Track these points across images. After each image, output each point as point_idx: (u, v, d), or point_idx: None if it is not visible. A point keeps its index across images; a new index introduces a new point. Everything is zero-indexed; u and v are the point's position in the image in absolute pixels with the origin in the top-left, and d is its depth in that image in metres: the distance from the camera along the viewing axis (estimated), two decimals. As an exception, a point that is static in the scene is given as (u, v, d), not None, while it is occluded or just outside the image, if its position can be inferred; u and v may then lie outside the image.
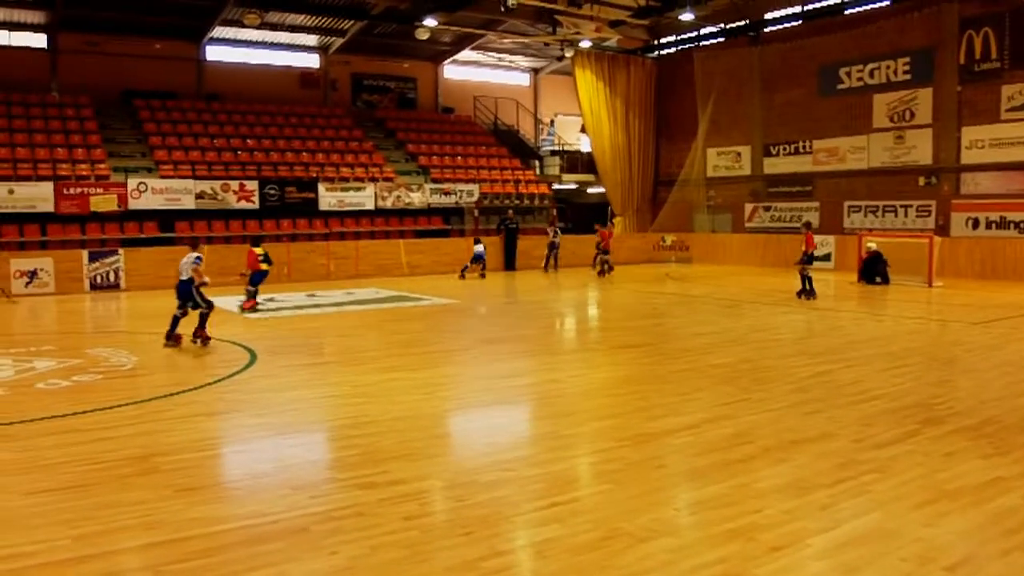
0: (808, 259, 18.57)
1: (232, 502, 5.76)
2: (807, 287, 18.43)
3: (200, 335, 12.48)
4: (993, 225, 23.81)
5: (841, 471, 6.17)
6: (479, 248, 24.75)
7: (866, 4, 26.58)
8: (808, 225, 20.53)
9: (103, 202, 23.27)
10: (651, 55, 34.26)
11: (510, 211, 29.13)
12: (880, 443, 6.90)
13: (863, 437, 7.09)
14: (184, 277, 12.44)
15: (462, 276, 24.47)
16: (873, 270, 21.70)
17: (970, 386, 9.32)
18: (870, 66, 26.90)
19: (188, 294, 12.44)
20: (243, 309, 17.05)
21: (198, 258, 12.57)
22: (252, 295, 17.44)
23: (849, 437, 7.09)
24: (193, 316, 12.51)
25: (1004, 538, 4.93)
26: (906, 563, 4.58)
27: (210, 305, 12.64)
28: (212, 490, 6.03)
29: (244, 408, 8.54)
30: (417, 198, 28.44)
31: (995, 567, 4.54)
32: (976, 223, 24.27)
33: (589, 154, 34.18)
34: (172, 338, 12.47)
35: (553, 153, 36.52)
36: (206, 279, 12.59)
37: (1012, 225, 23.43)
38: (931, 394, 8.80)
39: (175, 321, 12.52)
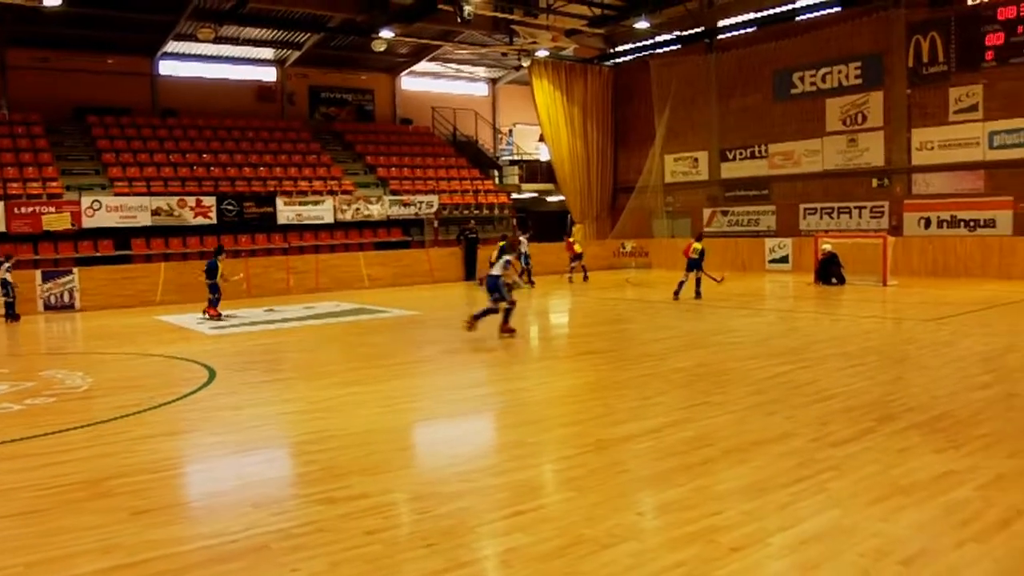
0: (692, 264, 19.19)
1: (190, 522, 5.68)
2: (690, 289, 19.38)
3: (505, 329, 13.89)
4: (944, 224, 24.26)
5: (799, 470, 6.24)
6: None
7: (817, 11, 26.98)
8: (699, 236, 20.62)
9: (56, 220, 22.94)
10: (608, 63, 34.50)
11: (471, 221, 29.16)
12: (837, 441, 6.99)
13: (820, 436, 7.18)
14: (495, 272, 13.87)
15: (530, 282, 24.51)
16: (828, 271, 21.99)
17: (923, 382, 9.46)
18: (823, 71, 27.34)
19: (497, 287, 13.74)
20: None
21: (508, 262, 14.01)
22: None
23: (807, 437, 7.18)
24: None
25: (957, 530, 5.01)
26: (863, 558, 4.64)
27: (512, 303, 13.91)
28: (170, 511, 5.92)
29: (203, 426, 8.44)
30: (376, 210, 28.34)
31: (949, 559, 4.61)
32: (928, 223, 24.71)
33: (548, 163, 34.34)
34: (506, 330, 13.94)
35: (512, 162, 36.66)
36: (516, 280, 14.47)
37: (962, 224, 23.89)
38: (886, 391, 8.93)
39: (487, 312, 13.86)
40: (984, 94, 23.52)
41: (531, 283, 23.94)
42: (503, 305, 13.81)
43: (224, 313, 18.34)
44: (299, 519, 5.56)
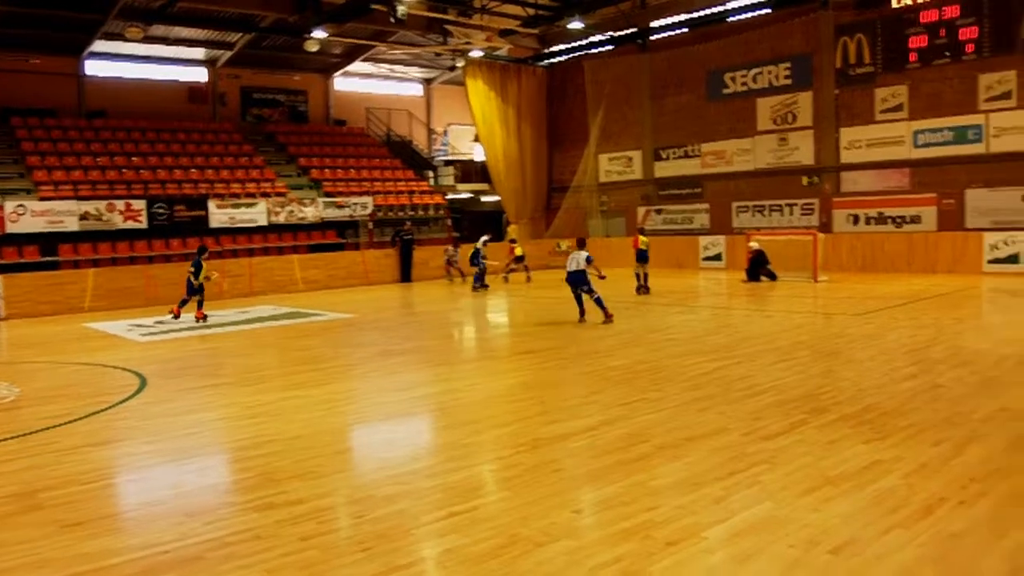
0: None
1: (123, 534, 5.56)
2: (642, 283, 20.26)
3: (608, 316, 15.04)
4: (872, 221, 24.87)
5: (732, 464, 6.34)
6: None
7: (748, 12, 27.42)
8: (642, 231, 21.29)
9: (-22, 226, 22.29)
10: (542, 64, 34.64)
11: (407, 223, 29.05)
12: (769, 435, 7.12)
13: (753, 430, 7.30)
14: (572, 268, 15.23)
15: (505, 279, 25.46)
16: (757, 269, 22.35)
17: (852, 375, 9.68)
18: (754, 71, 27.82)
19: (583, 281, 15.14)
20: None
21: (589, 258, 15.21)
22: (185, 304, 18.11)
23: (740, 431, 7.30)
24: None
25: (884, 518, 5.14)
26: (794, 548, 4.74)
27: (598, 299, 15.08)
28: (102, 523, 5.78)
29: (136, 435, 8.26)
30: (310, 212, 28.06)
31: (876, 546, 4.73)
32: (856, 219, 25.30)
33: (483, 163, 34.34)
34: (608, 317, 15.07)
35: (447, 163, 36.58)
36: (603, 273, 15.53)
37: (889, 220, 24.52)
38: (816, 385, 9.12)
39: (580, 299, 15.37)
40: (909, 94, 24.18)
41: (485, 286, 23.90)
42: (595, 296, 15.10)
43: (153, 320, 18.01)
44: (234, 527, 5.49)
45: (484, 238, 25.49)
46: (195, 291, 17.77)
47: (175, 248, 25.51)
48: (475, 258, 24.24)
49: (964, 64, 23.04)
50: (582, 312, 15.46)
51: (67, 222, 23.55)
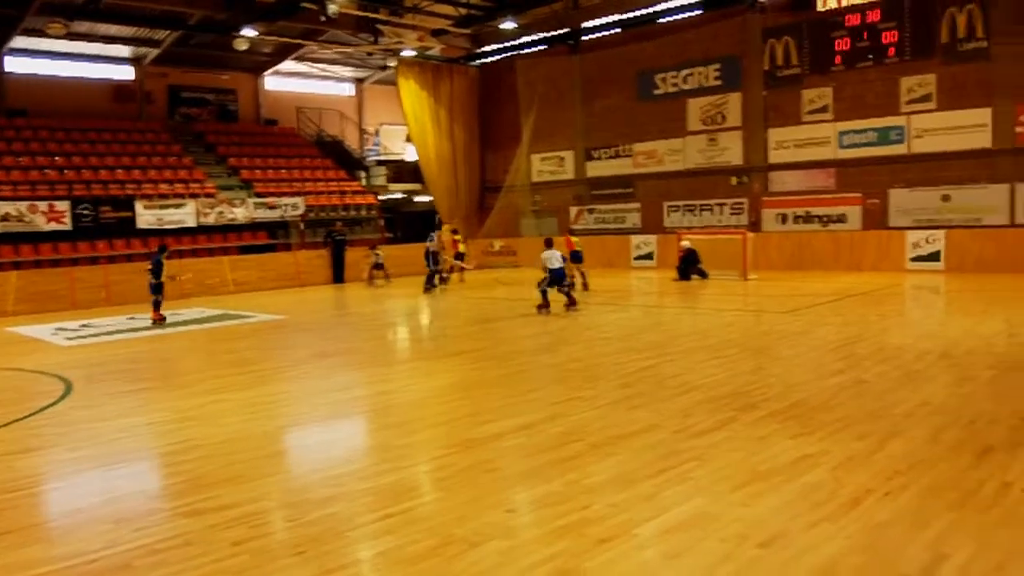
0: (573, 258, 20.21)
1: (48, 543, 5.39)
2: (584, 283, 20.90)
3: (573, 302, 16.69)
4: (799, 220, 25.39)
5: (664, 461, 6.40)
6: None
7: (679, 14, 27.74)
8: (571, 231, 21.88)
9: None
10: (474, 63, 34.62)
11: (338, 223, 28.78)
12: (700, 432, 7.20)
13: (684, 427, 7.37)
14: (554, 266, 16.39)
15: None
16: (688, 268, 22.61)
17: (780, 372, 9.85)
18: (684, 72, 28.17)
19: (563, 276, 16.64)
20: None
21: (563, 256, 16.86)
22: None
23: (671, 428, 7.36)
24: None
25: (812, 511, 5.23)
26: (725, 543, 4.79)
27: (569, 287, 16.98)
28: (25, 532, 5.60)
29: (60, 442, 8.01)
30: (241, 213, 27.61)
31: (804, 539, 4.81)
32: (784, 218, 25.80)
33: (415, 163, 34.16)
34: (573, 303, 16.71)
35: (379, 163, 36.34)
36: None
37: (816, 219, 25.05)
38: (746, 382, 9.26)
39: (546, 294, 16.56)
40: (834, 96, 24.74)
41: (443, 280, 23.78)
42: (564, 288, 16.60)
43: (79, 323, 17.52)
44: (163, 533, 5.37)
45: (433, 235, 24.84)
46: (156, 290, 17.29)
47: (101, 250, 24.88)
48: (429, 259, 23.14)
49: (886, 67, 23.65)
50: (547, 304, 16.37)
51: (-14, 224, 22.83)
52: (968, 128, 22.39)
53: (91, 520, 5.73)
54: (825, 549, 4.66)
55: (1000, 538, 4.78)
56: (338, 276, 27.29)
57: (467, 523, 5.29)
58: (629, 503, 5.52)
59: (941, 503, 5.32)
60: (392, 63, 32.13)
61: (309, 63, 34.96)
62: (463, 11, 29.22)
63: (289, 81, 36.10)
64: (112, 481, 6.69)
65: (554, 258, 16.46)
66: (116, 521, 5.63)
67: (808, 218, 25.26)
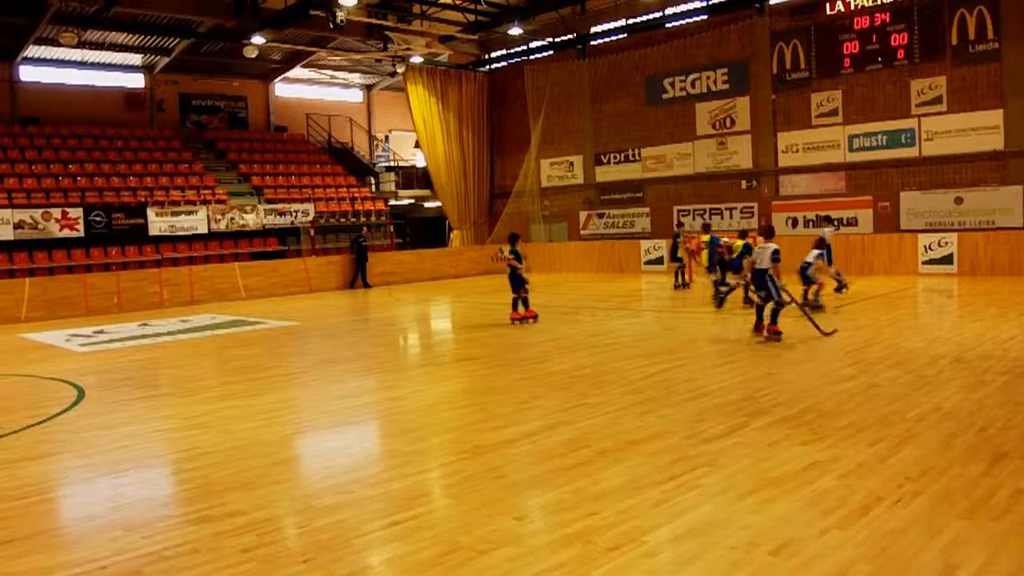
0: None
1: (58, 550, 5.38)
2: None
3: (771, 330, 12.52)
4: (810, 223, 25.24)
5: (673, 468, 6.36)
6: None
7: (686, 18, 27.74)
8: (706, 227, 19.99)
9: (-94, 236, 21.56)
10: (482, 69, 34.68)
11: (364, 228, 28.92)
12: (710, 438, 7.16)
13: (694, 433, 7.34)
14: (760, 266, 12.58)
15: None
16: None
17: (792, 377, 9.79)
18: (692, 76, 28.15)
19: (764, 283, 12.60)
20: None
21: (776, 251, 12.47)
22: None
23: (681, 434, 7.33)
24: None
25: (822, 518, 5.19)
26: (735, 551, 4.75)
27: (781, 302, 12.59)
28: (36, 539, 5.59)
29: (71, 448, 8.03)
30: (251, 220, 27.70)
31: (814, 546, 4.77)
32: (795, 222, 25.70)
33: (424, 169, 34.28)
34: (759, 330, 12.86)
35: (388, 169, 36.41)
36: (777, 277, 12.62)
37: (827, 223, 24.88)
38: (757, 387, 9.20)
39: (760, 310, 13.06)
40: (843, 99, 24.66)
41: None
42: (770, 304, 12.72)
43: (92, 330, 17.57)
44: (172, 540, 5.36)
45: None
46: None
47: (114, 256, 25.02)
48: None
49: (896, 70, 23.57)
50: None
51: (1, 231, 22.93)
52: (980, 130, 22.29)
53: (100, 527, 5.73)
54: (835, 557, 4.62)
55: (1013, 547, 4.72)
56: (363, 281, 27.24)
57: (475, 530, 5.27)
58: (637, 510, 5.49)
59: (953, 511, 5.26)
60: (401, 69, 32.17)
61: (318, 70, 35.07)
62: (471, 17, 29.25)
63: (299, 88, 36.21)
64: (121, 488, 6.68)
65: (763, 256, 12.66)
66: (125, 528, 5.63)
67: (819, 221, 25.14)
